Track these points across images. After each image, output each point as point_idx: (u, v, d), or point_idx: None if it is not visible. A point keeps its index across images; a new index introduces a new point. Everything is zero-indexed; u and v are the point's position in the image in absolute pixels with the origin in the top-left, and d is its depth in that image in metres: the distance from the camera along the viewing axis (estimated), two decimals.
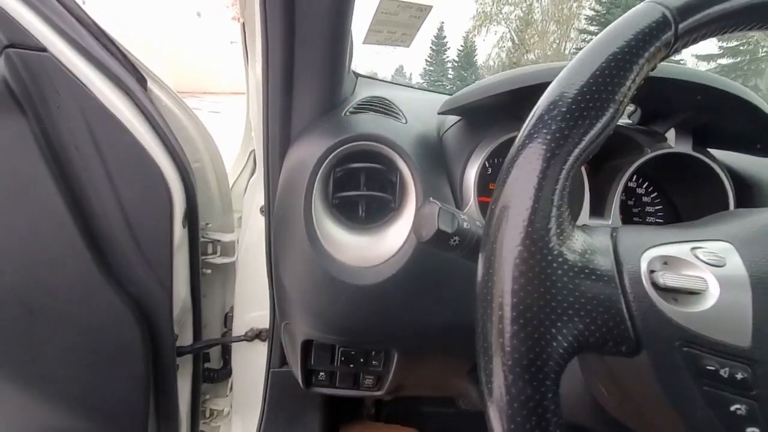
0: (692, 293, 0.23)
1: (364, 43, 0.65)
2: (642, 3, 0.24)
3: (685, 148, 0.50)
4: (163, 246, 0.57)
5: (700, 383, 0.22)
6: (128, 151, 0.52)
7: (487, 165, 0.52)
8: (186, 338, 0.72)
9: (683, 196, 0.56)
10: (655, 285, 0.23)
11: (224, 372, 0.83)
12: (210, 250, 0.73)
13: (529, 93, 0.48)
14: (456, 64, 38.54)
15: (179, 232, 0.59)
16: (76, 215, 0.51)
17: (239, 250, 0.75)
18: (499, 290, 0.22)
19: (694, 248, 0.24)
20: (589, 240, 0.25)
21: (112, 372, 0.60)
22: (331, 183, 0.48)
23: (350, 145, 0.45)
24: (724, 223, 0.27)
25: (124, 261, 0.56)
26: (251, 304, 0.77)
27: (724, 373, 0.21)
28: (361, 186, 0.48)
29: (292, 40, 0.43)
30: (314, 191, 0.46)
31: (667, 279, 0.23)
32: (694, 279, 0.23)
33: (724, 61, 21.02)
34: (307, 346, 0.51)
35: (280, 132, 0.50)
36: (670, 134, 0.52)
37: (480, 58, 37.38)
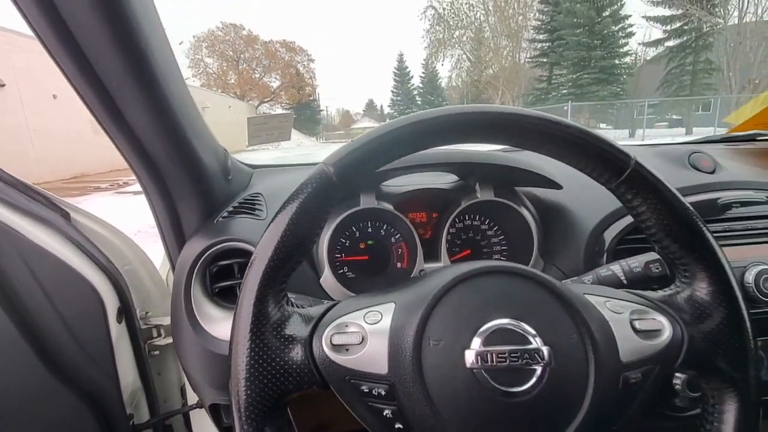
0: (353, 345, 0.35)
1: (249, 145, 0.81)
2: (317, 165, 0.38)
3: (488, 195, 0.65)
4: (102, 343, 0.69)
5: (365, 401, 0.34)
6: (59, 273, 0.65)
7: (336, 236, 0.65)
8: (143, 415, 0.82)
9: (508, 226, 0.71)
10: (332, 344, 0.36)
11: None
12: (155, 334, 0.85)
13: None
14: (421, 90, 39.94)
15: (115, 328, 0.71)
16: (25, 333, 0.63)
17: None
18: (235, 351, 0.35)
19: (367, 312, 0.37)
20: (305, 314, 0.38)
21: None
22: (208, 276, 0.61)
23: (217, 247, 0.59)
24: (401, 290, 0.39)
25: (71, 363, 0.68)
26: None
27: (375, 392, 0.34)
28: (236, 274, 0.61)
29: (163, 182, 0.57)
30: (192, 285, 0.59)
31: (336, 339, 0.36)
32: (354, 335, 0.36)
33: (671, 42, 22.04)
34: (215, 407, 0.62)
35: (175, 238, 0.63)
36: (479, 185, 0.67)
37: (443, 81, 38.88)
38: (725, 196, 0.62)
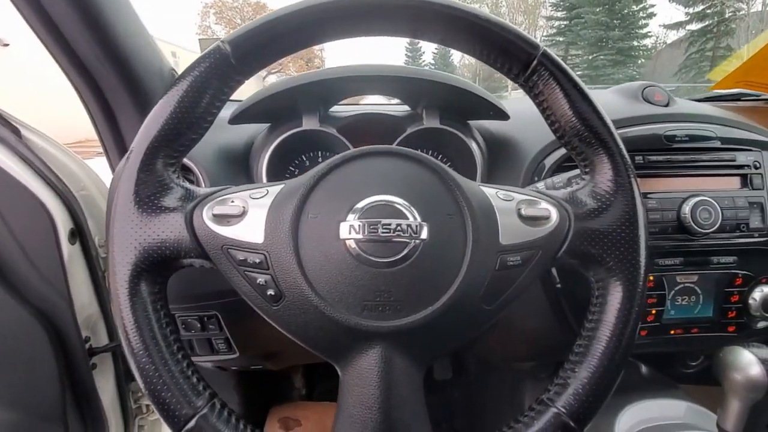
0: (233, 216, 0.35)
1: None
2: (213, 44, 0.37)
3: (434, 123, 0.64)
4: (53, 262, 0.70)
5: (241, 270, 0.35)
6: (8, 189, 0.65)
7: (275, 157, 0.64)
8: (101, 340, 0.84)
9: (454, 156, 0.69)
10: (212, 215, 0.36)
11: None
12: None
13: (301, 93, 0.61)
14: (433, 66, 39.10)
15: (68, 248, 0.72)
16: None
17: None
18: (114, 210, 0.35)
19: (254, 191, 0.37)
20: (192, 190, 0.38)
21: (28, 371, 0.72)
22: None
23: None
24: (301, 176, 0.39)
25: (23, 280, 0.69)
26: None
27: (250, 260, 0.34)
28: None
29: (98, 89, 0.57)
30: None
31: (217, 210, 0.36)
32: (236, 208, 0.36)
33: (693, 26, 21.28)
34: None
35: (119, 156, 0.63)
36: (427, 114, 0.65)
37: (456, 59, 38.01)
38: (672, 127, 0.60)
